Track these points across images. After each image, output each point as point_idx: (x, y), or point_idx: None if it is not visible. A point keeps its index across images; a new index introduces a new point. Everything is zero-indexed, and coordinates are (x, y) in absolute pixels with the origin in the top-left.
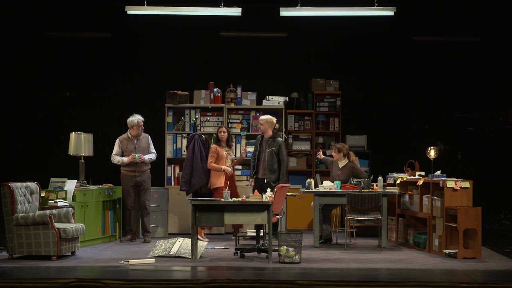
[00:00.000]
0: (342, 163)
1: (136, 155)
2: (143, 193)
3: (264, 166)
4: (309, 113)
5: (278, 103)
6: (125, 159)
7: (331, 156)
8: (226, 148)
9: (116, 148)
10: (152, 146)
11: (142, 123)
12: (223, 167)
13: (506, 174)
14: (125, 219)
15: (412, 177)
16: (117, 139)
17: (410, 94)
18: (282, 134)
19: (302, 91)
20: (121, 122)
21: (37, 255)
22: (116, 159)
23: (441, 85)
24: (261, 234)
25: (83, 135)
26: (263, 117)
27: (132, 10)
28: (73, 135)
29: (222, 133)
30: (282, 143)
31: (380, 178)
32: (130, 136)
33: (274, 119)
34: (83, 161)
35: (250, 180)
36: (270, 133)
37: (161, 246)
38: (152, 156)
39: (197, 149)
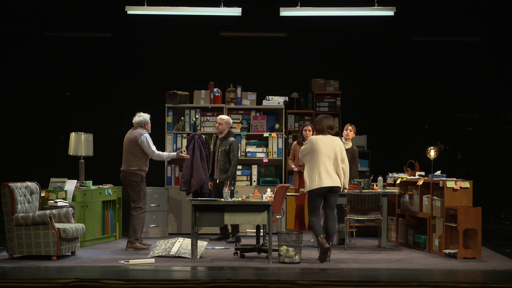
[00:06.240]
0: (347, 145)
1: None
2: None
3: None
4: (309, 113)
5: (278, 103)
6: (174, 154)
7: None
8: None
9: (152, 144)
10: None
11: None
12: (292, 166)
13: (506, 174)
14: (142, 222)
15: (412, 177)
16: (147, 136)
17: (410, 94)
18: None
19: (302, 91)
20: (121, 122)
21: (37, 255)
22: (163, 155)
23: (441, 85)
24: (261, 234)
25: (83, 135)
26: (223, 116)
27: (132, 10)
28: (73, 135)
29: (307, 132)
30: (233, 143)
31: (380, 178)
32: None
33: (231, 121)
34: (83, 161)
35: (210, 183)
36: (225, 133)
37: (161, 246)
38: None
39: (197, 149)
